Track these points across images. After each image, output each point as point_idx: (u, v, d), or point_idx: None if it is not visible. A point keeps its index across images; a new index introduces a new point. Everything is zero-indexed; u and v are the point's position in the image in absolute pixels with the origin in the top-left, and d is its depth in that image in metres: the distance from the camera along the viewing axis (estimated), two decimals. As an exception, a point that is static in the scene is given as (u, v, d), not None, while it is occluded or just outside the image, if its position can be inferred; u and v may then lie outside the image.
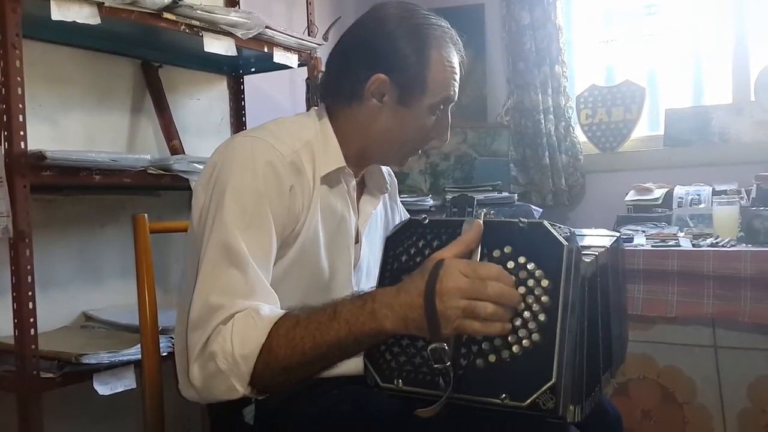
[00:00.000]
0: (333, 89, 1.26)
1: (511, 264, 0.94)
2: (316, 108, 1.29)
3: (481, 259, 0.95)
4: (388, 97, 1.20)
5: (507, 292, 0.91)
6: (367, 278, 1.31)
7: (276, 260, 1.14)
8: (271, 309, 1.04)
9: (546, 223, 0.94)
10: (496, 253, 0.95)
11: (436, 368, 0.93)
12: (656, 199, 2.49)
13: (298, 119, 1.26)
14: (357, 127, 1.24)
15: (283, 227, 1.14)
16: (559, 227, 0.95)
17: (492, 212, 1.00)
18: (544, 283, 0.92)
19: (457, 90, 1.24)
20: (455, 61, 1.23)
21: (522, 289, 0.92)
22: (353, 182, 1.26)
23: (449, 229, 0.99)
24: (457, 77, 1.24)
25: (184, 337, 1.19)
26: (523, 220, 0.95)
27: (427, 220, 1.02)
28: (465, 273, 0.91)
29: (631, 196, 2.55)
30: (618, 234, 1.22)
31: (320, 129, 1.23)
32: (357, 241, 1.29)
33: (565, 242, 0.92)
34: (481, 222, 0.96)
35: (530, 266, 0.93)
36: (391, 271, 1.03)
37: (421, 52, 1.18)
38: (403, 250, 1.02)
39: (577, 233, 1.07)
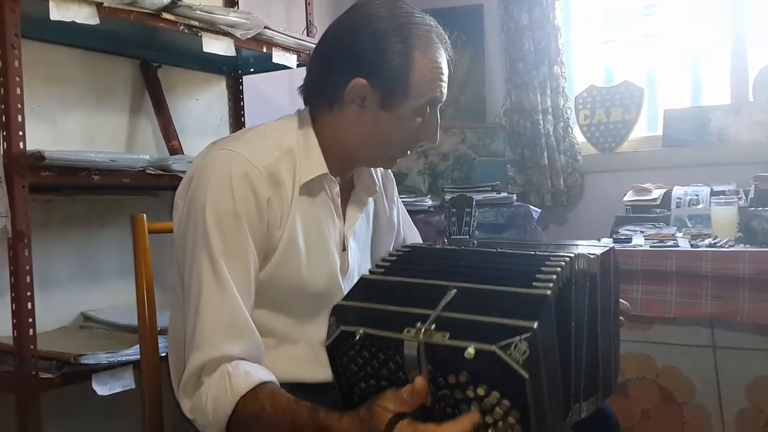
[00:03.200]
0: (314, 93, 1.23)
1: (471, 392, 0.83)
2: (300, 110, 1.26)
3: (434, 382, 0.85)
4: (369, 101, 1.16)
5: None
6: None
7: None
8: (245, 373, 1.04)
9: (497, 350, 0.79)
10: (452, 378, 0.84)
11: None
12: (655, 200, 2.49)
13: (280, 125, 1.23)
14: (340, 132, 1.20)
15: (262, 243, 1.13)
16: (516, 345, 0.79)
17: (433, 327, 0.83)
18: (511, 421, 0.82)
19: (444, 90, 1.19)
20: (442, 60, 1.17)
21: (490, 418, 0.83)
22: (337, 188, 1.23)
23: (391, 345, 0.86)
24: (444, 77, 1.18)
25: (177, 343, 1.20)
26: (470, 351, 0.79)
27: (358, 336, 0.89)
28: None
29: (629, 196, 2.55)
30: (611, 246, 1.08)
31: (302, 134, 1.20)
32: (344, 248, 1.26)
33: (525, 374, 0.79)
34: (423, 352, 0.84)
35: (493, 396, 0.82)
36: (345, 380, 0.93)
37: (403, 55, 1.13)
38: (350, 360, 0.92)
39: (562, 243, 0.99)
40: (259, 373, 1.05)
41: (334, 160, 1.21)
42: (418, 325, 0.84)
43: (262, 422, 1.00)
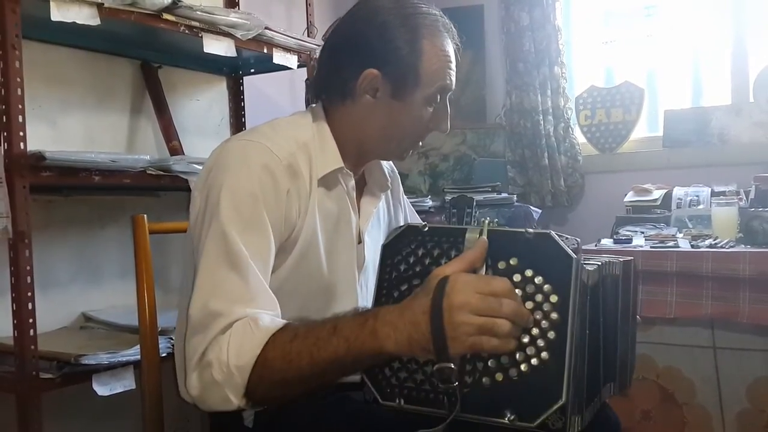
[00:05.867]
0: (326, 87, 1.24)
1: (517, 277, 0.91)
2: (313, 106, 1.26)
3: (485, 272, 0.92)
4: (382, 91, 1.17)
5: (521, 312, 0.89)
6: (373, 279, 1.27)
7: (275, 267, 1.12)
8: (271, 319, 1.01)
9: (553, 234, 0.91)
10: (502, 264, 0.91)
11: (441, 388, 0.90)
12: (655, 200, 2.49)
13: (294, 120, 1.24)
14: (353, 125, 1.21)
15: (281, 233, 1.12)
16: (567, 238, 0.91)
17: (495, 220, 0.96)
18: (553, 299, 0.89)
19: (453, 78, 1.20)
20: (449, 49, 1.19)
21: (530, 304, 0.89)
22: (352, 182, 1.23)
23: (451, 237, 0.95)
24: (453, 65, 1.20)
25: (184, 342, 1.19)
26: (529, 231, 0.91)
27: (426, 227, 0.98)
28: (477, 289, 0.88)
29: (630, 197, 2.55)
30: (631, 259, 1.18)
31: (317, 129, 1.21)
32: (360, 241, 1.26)
33: (573, 255, 0.89)
34: (486, 232, 0.93)
35: (538, 280, 0.90)
36: (388, 281, 0.99)
37: (412, 44, 1.15)
38: (402, 259, 0.98)
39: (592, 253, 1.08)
40: (284, 321, 1.02)
41: (348, 155, 1.22)
42: (482, 220, 0.95)
43: (299, 339, 0.97)
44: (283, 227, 1.12)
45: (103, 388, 1.54)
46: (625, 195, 2.57)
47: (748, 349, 1.95)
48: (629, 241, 2.18)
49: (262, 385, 0.98)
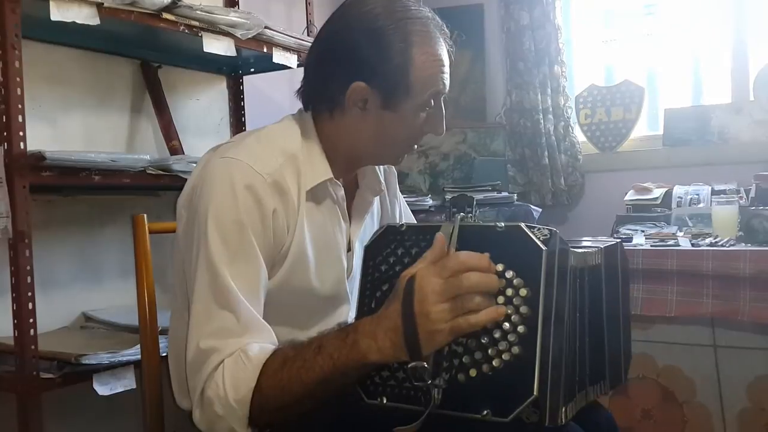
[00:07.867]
0: (313, 98, 1.20)
1: None
2: (302, 111, 1.23)
3: None
4: (371, 103, 1.13)
5: (483, 280, 0.91)
6: None
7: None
8: (260, 348, 1.03)
9: (523, 226, 0.92)
10: None
11: (418, 386, 0.92)
12: (655, 199, 2.49)
13: (282, 127, 1.20)
14: (343, 136, 1.18)
15: (270, 252, 1.11)
16: (539, 228, 0.92)
17: (470, 215, 0.98)
18: (523, 292, 0.90)
19: (446, 82, 1.16)
20: (441, 52, 1.14)
21: (501, 299, 0.91)
22: (341, 191, 1.21)
23: (427, 235, 0.97)
24: (446, 68, 1.15)
25: (177, 346, 1.18)
26: (500, 224, 0.93)
27: (404, 227, 1.02)
28: (438, 276, 0.91)
29: (630, 195, 2.55)
30: (618, 240, 1.17)
31: (305, 138, 1.17)
32: (349, 249, 1.24)
33: (543, 247, 0.90)
34: (457, 228, 0.95)
35: (509, 274, 0.91)
36: (371, 282, 1.02)
37: (402, 53, 1.10)
38: (383, 260, 1.01)
39: (574, 240, 1.07)
40: (273, 347, 1.04)
41: (338, 163, 1.19)
42: (454, 216, 0.96)
43: (288, 365, 0.99)
44: (272, 245, 1.11)
45: (103, 388, 1.54)
46: (626, 194, 2.57)
47: (749, 347, 1.95)
48: (629, 239, 2.18)
49: (263, 413, 1.01)
